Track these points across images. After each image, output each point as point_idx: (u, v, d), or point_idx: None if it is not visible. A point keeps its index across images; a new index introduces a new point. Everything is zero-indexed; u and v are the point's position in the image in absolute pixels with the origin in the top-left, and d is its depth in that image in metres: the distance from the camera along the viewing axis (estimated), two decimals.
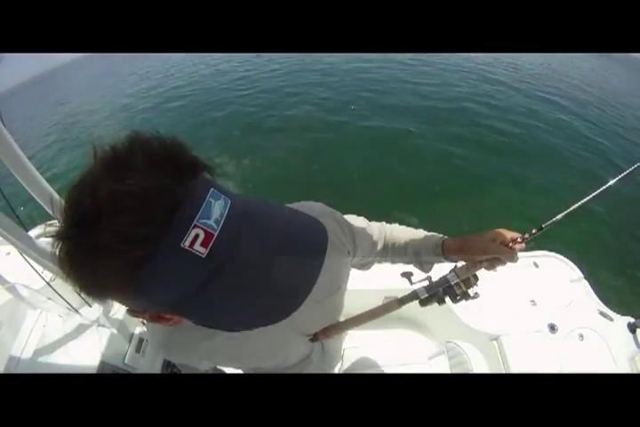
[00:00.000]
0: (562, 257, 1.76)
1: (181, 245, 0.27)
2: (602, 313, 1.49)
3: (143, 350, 1.08)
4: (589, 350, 1.37)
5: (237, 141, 5.32)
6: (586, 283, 1.64)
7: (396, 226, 0.75)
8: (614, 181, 0.64)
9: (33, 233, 0.85)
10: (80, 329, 0.98)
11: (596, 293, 1.60)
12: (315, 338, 0.68)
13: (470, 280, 0.65)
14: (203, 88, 8.46)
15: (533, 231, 0.63)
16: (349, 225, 0.63)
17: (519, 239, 0.62)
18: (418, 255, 0.70)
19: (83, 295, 0.31)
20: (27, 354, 0.90)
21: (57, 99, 13.37)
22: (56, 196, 0.66)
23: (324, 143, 4.97)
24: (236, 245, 0.29)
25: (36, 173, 0.59)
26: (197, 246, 0.27)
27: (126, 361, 1.01)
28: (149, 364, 1.08)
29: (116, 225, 0.25)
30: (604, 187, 0.64)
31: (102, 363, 0.93)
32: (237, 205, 0.31)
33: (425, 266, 0.72)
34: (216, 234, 0.28)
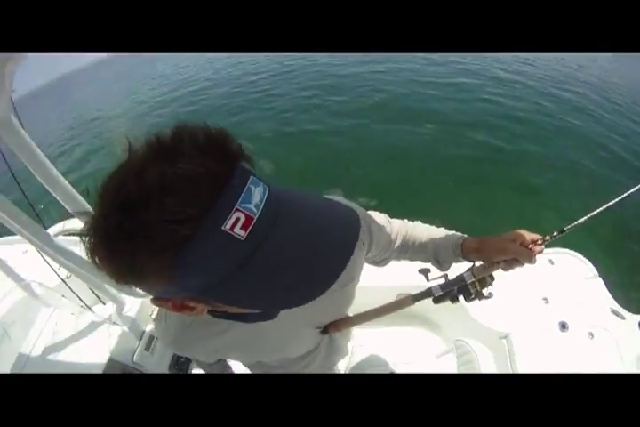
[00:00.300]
0: (577, 254, 1.72)
1: (222, 227, 0.28)
2: (614, 311, 1.46)
3: (152, 349, 1.09)
4: (598, 348, 1.34)
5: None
6: (600, 280, 1.60)
7: (418, 224, 0.75)
8: (637, 188, 0.62)
9: (52, 231, 0.87)
10: (92, 327, 1.00)
11: (609, 290, 1.56)
12: (325, 331, 0.68)
13: (486, 280, 0.64)
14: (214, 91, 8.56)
15: (554, 234, 0.62)
16: (369, 220, 0.63)
17: (539, 241, 0.60)
18: (437, 254, 0.69)
19: (114, 284, 0.32)
20: (37, 352, 0.91)
21: (73, 101, 13.71)
22: (76, 194, 0.67)
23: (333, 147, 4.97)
24: (273, 230, 0.30)
25: (56, 172, 0.61)
26: (237, 229, 0.28)
27: (135, 359, 1.02)
28: (157, 362, 1.10)
29: (165, 205, 0.25)
30: (626, 193, 0.62)
31: (110, 361, 0.94)
32: (274, 193, 0.32)
33: (443, 265, 0.71)
34: (255, 218, 0.29)
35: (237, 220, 0.28)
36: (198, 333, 0.49)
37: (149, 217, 0.26)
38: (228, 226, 0.28)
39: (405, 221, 0.75)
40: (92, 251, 0.30)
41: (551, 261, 1.68)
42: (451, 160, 4.36)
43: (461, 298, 0.66)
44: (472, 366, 1.16)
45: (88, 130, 8.25)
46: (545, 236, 0.62)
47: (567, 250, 1.74)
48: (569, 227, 0.62)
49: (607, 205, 0.62)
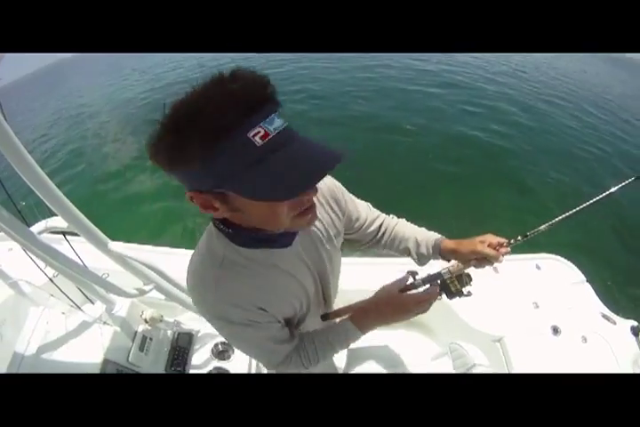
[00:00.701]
0: (564, 260, 1.76)
1: (247, 134, 0.40)
2: (604, 316, 1.49)
3: (147, 349, 1.07)
4: (592, 352, 1.36)
5: None
6: (588, 286, 1.63)
7: (402, 220, 0.86)
8: (600, 197, 0.71)
9: (35, 229, 0.85)
10: (83, 326, 0.98)
11: (598, 295, 1.60)
12: (325, 318, 0.77)
13: (464, 279, 0.71)
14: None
15: (518, 238, 0.71)
16: (343, 190, 0.74)
17: (505, 244, 0.71)
18: (418, 248, 0.80)
19: (167, 165, 0.43)
20: (30, 351, 0.90)
21: (59, 93, 13.40)
22: (57, 191, 0.65)
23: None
24: (284, 144, 0.42)
25: (38, 168, 0.59)
26: (257, 138, 0.40)
27: (130, 359, 1.00)
28: (153, 362, 1.08)
29: (212, 110, 0.38)
30: (585, 204, 0.71)
31: (106, 361, 0.93)
32: (292, 129, 0.44)
33: (422, 260, 0.82)
34: (271, 135, 0.41)
35: (258, 132, 0.40)
36: (227, 284, 0.55)
37: (201, 118, 0.38)
38: (251, 134, 0.40)
39: (391, 216, 0.86)
40: (157, 143, 0.41)
41: (539, 267, 1.70)
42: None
43: (444, 296, 0.72)
44: (468, 368, 1.18)
45: (69, 122, 8.04)
46: (510, 240, 0.71)
47: (553, 255, 1.77)
48: (531, 233, 0.70)
49: (567, 214, 0.71)
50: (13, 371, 0.85)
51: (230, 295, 0.55)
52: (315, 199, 0.53)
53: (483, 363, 1.17)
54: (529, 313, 1.50)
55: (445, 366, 1.34)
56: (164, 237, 3.35)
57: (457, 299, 0.72)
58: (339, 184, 0.73)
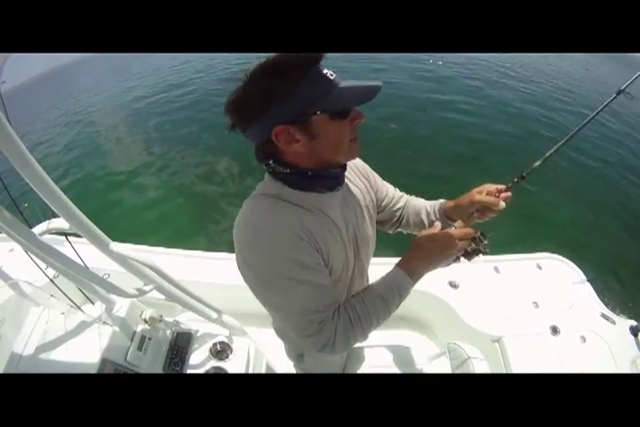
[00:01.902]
0: (565, 259, 1.76)
1: (322, 71, 0.55)
2: (604, 316, 1.49)
3: (145, 349, 1.08)
4: (591, 352, 1.36)
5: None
6: (588, 285, 1.63)
7: (412, 196, 0.92)
8: (587, 120, 0.72)
9: (37, 230, 0.85)
10: (82, 326, 0.98)
11: (598, 295, 1.60)
12: None
13: (477, 238, 0.70)
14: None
15: (515, 180, 0.72)
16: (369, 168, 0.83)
17: (504, 189, 0.72)
18: (428, 216, 0.84)
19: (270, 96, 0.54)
20: (29, 350, 0.90)
21: (63, 96, 13.43)
22: (60, 192, 0.66)
23: None
24: (341, 81, 0.57)
25: (40, 170, 0.59)
26: (328, 75, 0.55)
27: (128, 359, 1.01)
28: (151, 362, 1.09)
29: (297, 54, 0.53)
30: (573, 132, 0.72)
31: (104, 360, 0.94)
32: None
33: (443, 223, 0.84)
34: (335, 74, 0.56)
35: (327, 73, 0.55)
36: (281, 212, 0.60)
37: (291, 59, 0.53)
38: (324, 72, 0.55)
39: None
40: (250, 89, 0.54)
41: (539, 266, 1.70)
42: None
43: (462, 259, 0.73)
44: (466, 368, 1.18)
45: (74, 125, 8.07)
46: (508, 184, 0.72)
47: (555, 255, 1.78)
48: (527, 172, 0.72)
49: (558, 145, 0.72)
50: (11, 371, 0.86)
51: (284, 223, 0.58)
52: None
53: (481, 363, 1.17)
54: (529, 313, 1.51)
55: (443, 366, 1.34)
56: (164, 238, 3.35)
57: (478, 257, 0.73)
58: (367, 165, 0.83)
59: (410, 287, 0.66)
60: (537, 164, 0.72)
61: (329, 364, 1.07)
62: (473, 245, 0.70)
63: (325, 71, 0.55)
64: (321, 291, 0.60)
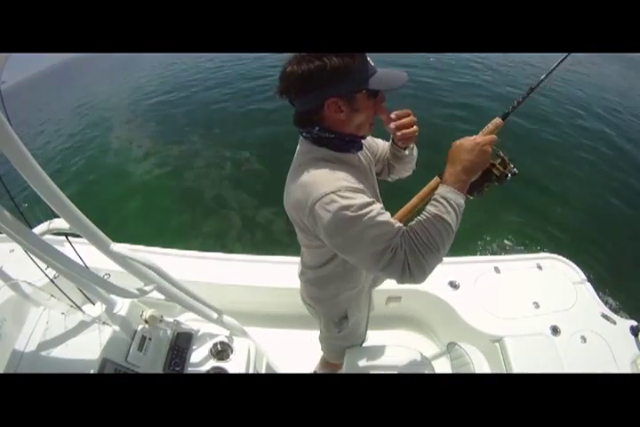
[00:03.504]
0: (565, 259, 1.76)
1: (367, 59, 0.68)
2: (604, 316, 1.49)
3: (146, 349, 1.08)
4: (591, 352, 1.36)
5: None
6: (589, 285, 1.63)
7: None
8: (543, 77, 0.76)
9: (37, 230, 0.85)
10: (82, 326, 0.98)
11: (598, 295, 1.60)
12: None
13: (503, 160, 0.75)
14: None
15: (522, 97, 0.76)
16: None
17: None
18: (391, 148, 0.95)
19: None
20: (30, 351, 0.90)
21: (62, 93, 13.45)
22: (60, 192, 0.66)
23: None
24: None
25: (40, 170, 0.59)
26: (370, 64, 0.68)
27: (129, 359, 1.01)
28: (151, 362, 1.09)
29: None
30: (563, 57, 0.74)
31: (104, 360, 0.94)
32: None
33: (403, 156, 0.96)
34: (374, 64, 0.69)
35: (369, 62, 0.68)
36: (336, 167, 0.72)
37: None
38: (368, 59, 0.68)
39: None
40: (323, 67, 0.63)
41: (539, 266, 1.70)
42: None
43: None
44: (467, 368, 1.18)
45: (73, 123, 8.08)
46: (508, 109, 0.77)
47: (555, 255, 1.78)
48: (535, 86, 0.75)
49: (555, 65, 0.75)
50: (12, 371, 0.86)
51: (343, 173, 0.69)
52: None
53: (481, 363, 1.17)
54: (529, 313, 1.51)
55: (444, 366, 1.34)
56: (165, 238, 3.35)
57: (509, 178, 0.75)
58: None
59: (460, 199, 0.71)
60: (543, 77, 0.76)
61: (361, 324, 1.18)
62: (501, 168, 0.74)
63: (368, 58, 0.67)
64: (386, 218, 0.68)
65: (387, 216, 0.69)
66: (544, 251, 1.81)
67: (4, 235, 0.67)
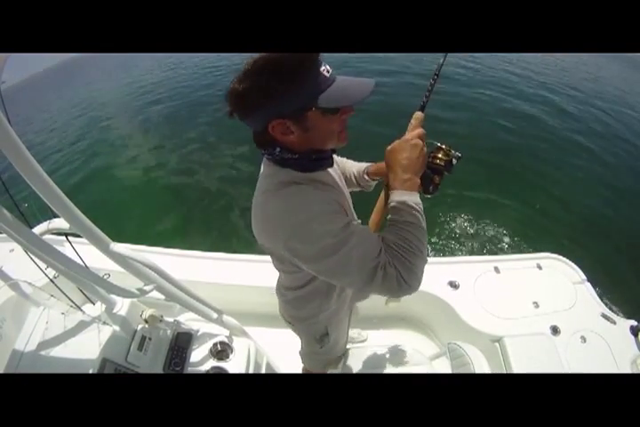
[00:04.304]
0: (565, 259, 1.76)
1: (319, 69, 0.58)
2: (604, 316, 1.49)
3: (145, 348, 1.08)
4: (591, 352, 1.37)
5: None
6: (589, 285, 1.63)
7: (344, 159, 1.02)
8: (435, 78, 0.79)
9: (37, 230, 0.85)
10: (82, 326, 0.98)
11: (598, 295, 1.60)
12: None
13: (445, 150, 0.76)
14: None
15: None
16: None
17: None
18: (358, 180, 0.96)
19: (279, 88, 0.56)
20: (30, 351, 0.90)
21: (68, 90, 13.46)
22: (60, 192, 0.66)
23: None
24: (336, 77, 0.61)
25: (40, 170, 0.59)
26: (325, 72, 0.59)
27: (129, 359, 1.01)
28: (151, 362, 1.09)
29: (297, 53, 0.56)
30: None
31: (104, 360, 0.94)
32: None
33: (365, 187, 0.98)
34: (331, 71, 0.60)
35: (324, 69, 0.59)
36: (307, 190, 0.66)
37: (293, 56, 0.55)
38: (321, 69, 0.58)
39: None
40: (252, 82, 0.56)
41: (539, 266, 1.70)
42: None
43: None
44: (467, 368, 1.18)
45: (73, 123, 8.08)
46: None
47: (555, 255, 1.78)
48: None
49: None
50: (12, 371, 0.86)
51: (315, 195, 0.66)
52: None
53: (481, 363, 1.17)
54: (529, 313, 1.51)
55: (443, 366, 1.34)
56: (165, 238, 3.35)
57: (455, 163, 0.76)
58: None
59: (413, 197, 0.69)
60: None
61: (342, 338, 1.16)
62: (444, 157, 0.76)
63: (322, 68, 0.58)
64: (368, 236, 0.65)
65: (367, 232, 0.66)
66: (544, 251, 1.81)
67: (4, 235, 0.67)
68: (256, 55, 0.56)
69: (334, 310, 0.96)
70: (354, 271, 0.62)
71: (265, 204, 0.67)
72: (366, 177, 0.94)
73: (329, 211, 0.64)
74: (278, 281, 0.97)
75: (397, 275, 0.62)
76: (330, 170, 0.77)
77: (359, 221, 0.85)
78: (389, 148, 0.73)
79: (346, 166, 0.99)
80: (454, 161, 0.76)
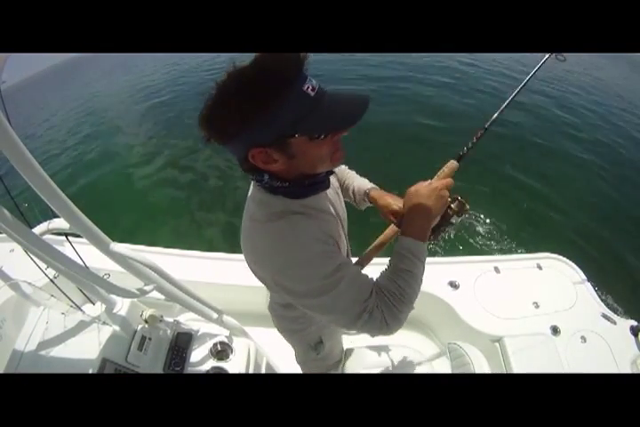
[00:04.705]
0: (565, 259, 1.76)
1: (302, 88, 0.50)
2: (604, 316, 1.49)
3: (145, 349, 1.08)
4: (591, 352, 1.37)
5: None
6: (589, 285, 1.63)
7: (345, 168, 0.98)
8: (530, 75, 0.79)
9: (37, 230, 0.85)
10: (82, 326, 0.98)
11: (598, 295, 1.60)
12: (359, 264, 0.86)
13: (460, 202, 0.74)
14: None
15: (477, 137, 0.76)
16: None
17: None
18: (355, 196, 0.92)
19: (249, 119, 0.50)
20: (30, 351, 0.90)
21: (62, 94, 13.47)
22: (60, 192, 0.66)
23: None
24: (324, 94, 0.53)
25: (40, 170, 0.59)
26: (309, 91, 0.51)
27: (128, 359, 1.01)
28: (152, 362, 1.09)
29: (277, 67, 0.49)
30: (525, 80, 0.79)
31: (104, 360, 0.94)
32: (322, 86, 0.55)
33: (360, 204, 0.94)
34: (317, 88, 0.52)
35: (309, 86, 0.51)
36: (301, 224, 0.62)
37: (268, 75, 0.48)
38: (305, 88, 0.51)
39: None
40: (222, 108, 0.50)
41: (539, 266, 1.70)
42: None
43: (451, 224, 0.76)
44: (467, 368, 1.18)
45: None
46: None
47: (555, 255, 1.78)
48: (488, 124, 0.76)
49: (511, 97, 0.78)
50: (11, 371, 0.86)
51: (308, 232, 0.60)
52: None
53: (481, 363, 1.17)
54: (529, 313, 1.51)
55: (443, 366, 1.34)
56: (165, 238, 3.35)
57: (463, 217, 0.75)
58: None
59: (421, 247, 0.67)
60: (495, 116, 0.77)
61: (338, 344, 1.16)
62: (457, 209, 0.73)
63: (306, 86, 0.51)
64: (359, 279, 0.63)
65: (358, 274, 0.64)
66: (544, 251, 1.81)
67: (4, 235, 0.67)
68: (225, 75, 0.49)
69: (325, 323, 0.97)
70: (339, 313, 0.61)
71: (255, 235, 0.64)
72: (365, 199, 0.91)
73: (321, 251, 0.60)
74: (270, 296, 0.97)
75: (382, 318, 0.62)
76: (328, 191, 0.73)
77: (351, 259, 0.85)
78: (414, 189, 0.70)
79: (347, 177, 0.95)
80: (463, 216, 0.74)
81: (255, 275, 0.70)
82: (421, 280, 0.67)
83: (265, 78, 0.48)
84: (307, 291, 0.60)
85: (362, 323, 0.61)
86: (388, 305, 0.62)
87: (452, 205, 0.73)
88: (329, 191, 0.74)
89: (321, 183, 0.67)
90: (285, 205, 0.63)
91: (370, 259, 0.87)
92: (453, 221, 0.74)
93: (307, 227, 0.61)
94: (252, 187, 0.69)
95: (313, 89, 0.51)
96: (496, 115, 0.76)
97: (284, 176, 0.60)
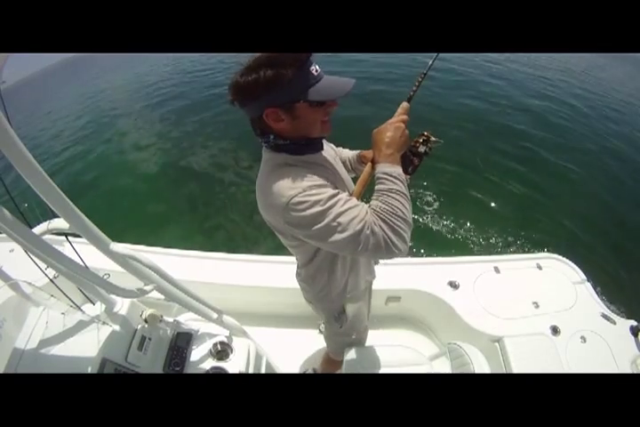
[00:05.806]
0: (565, 259, 1.76)
1: (309, 68, 0.68)
2: (604, 316, 1.49)
3: (145, 349, 1.08)
4: (591, 352, 1.37)
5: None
6: (589, 285, 1.63)
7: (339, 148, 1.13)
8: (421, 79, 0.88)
9: (37, 230, 0.85)
10: (82, 326, 0.98)
11: (598, 295, 1.60)
12: None
13: (426, 139, 0.86)
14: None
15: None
16: None
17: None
18: (351, 163, 1.08)
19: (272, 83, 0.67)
20: (30, 350, 0.90)
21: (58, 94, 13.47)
22: (60, 192, 0.66)
23: None
24: (324, 75, 0.71)
25: (40, 170, 0.59)
26: (314, 71, 0.69)
27: (128, 359, 1.01)
28: (151, 362, 1.09)
29: (292, 53, 0.66)
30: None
31: (104, 360, 0.94)
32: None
33: (356, 171, 1.08)
34: (319, 70, 0.70)
35: (314, 68, 0.69)
36: (299, 170, 0.74)
37: (289, 56, 0.66)
38: (311, 69, 0.68)
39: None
40: (256, 75, 0.67)
41: (539, 266, 1.70)
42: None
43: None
44: (466, 368, 1.18)
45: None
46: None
47: (555, 255, 1.78)
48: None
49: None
50: (11, 371, 0.86)
51: (303, 174, 0.73)
52: None
53: (481, 363, 1.17)
54: (529, 313, 1.51)
55: (443, 366, 1.34)
56: (164, 238, 3.35)
57: (433, 147, 0.86)
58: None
59: (395, 169, 0.78)
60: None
61: (360, 321, 1.23)
62: (425, 142, 0.86)
63: (312, 68, 0.68)
64: (353, 201, 0.74)
65: (354, 201, 0.74)
66: (544, 251, 1.81)
67: (4, 235, 0.67)
68: (257, 54, 0.67)
69: (344, 288, 1.05)
70: (342, 233, 0.70)
71: (264, 183, 0.77)
72: (358, 160, 1.06)
73: (317, 186, 0.72)
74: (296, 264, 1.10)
75: (384, 235, 0.71)
76: (325, 154, 0.88)
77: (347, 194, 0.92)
78: (375, 130, 0.84)
79: (342, 153, 1.12)
80: (432, 145, 0.86)
81: (271, 226, 0.85)
82: (407, 196, 0.76)
83: (287, 56, 0.65)
84: (309, 218, 0.70)
85: (365, 240, 0.70)
86: (385, 220, 0.72)
87: (420, 140, 0.87)
88: (328, 156, 0.90)
89: (315, 144, 0.83)
90: (286, 159, 0.78)
91: (358, 194, 0.94)
92: (421, 150, 0.86)
93: (302, 171, 0.74)
94: (263, 153, 0.85)
95: (317, 71, 0.69)
96: (431, 62, 0.88)
97: (286, 135, 0.77)
